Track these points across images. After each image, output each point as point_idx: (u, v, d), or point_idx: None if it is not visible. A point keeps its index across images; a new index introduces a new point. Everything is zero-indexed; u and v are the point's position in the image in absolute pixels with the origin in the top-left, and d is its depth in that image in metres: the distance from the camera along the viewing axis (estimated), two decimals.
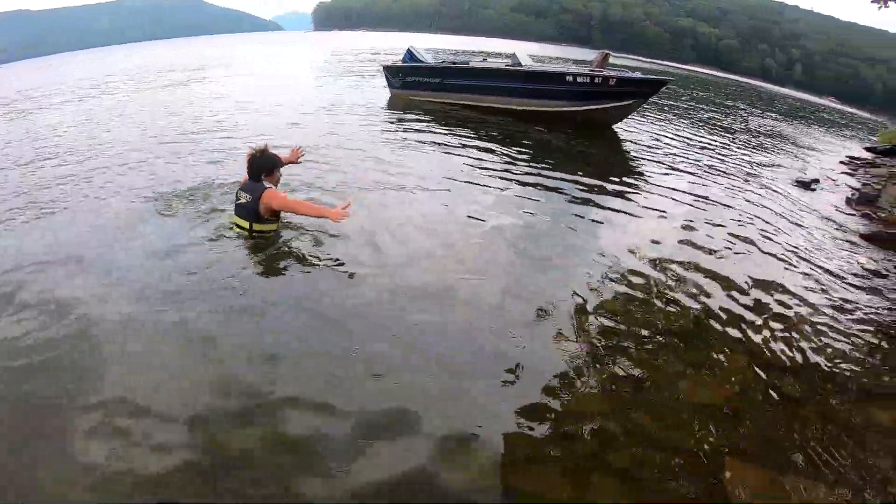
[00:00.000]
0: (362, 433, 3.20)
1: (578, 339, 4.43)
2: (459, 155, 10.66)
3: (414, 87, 17.25)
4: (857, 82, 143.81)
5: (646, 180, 10.42)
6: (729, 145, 17.04)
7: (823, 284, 6.68)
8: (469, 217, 7.01)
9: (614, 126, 15.70)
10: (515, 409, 3.58)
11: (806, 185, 12.68)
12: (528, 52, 17.80)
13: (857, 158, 19.92)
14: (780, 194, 11.59)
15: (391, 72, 17.63)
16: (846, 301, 6.28)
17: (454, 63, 17.20)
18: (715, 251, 7.02)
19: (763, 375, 4.33)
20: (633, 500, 3.02)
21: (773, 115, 33.83)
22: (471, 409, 3.52)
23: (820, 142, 24.83)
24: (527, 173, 9.74)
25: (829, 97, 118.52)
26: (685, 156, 13.51)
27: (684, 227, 7.83)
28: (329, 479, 2.91)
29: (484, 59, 18.05)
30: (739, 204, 9.83)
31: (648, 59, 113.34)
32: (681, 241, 7.19)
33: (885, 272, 7.88)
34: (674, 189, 9.91)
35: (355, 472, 2.95)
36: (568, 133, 13.91)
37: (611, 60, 16.30)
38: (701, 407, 3.83)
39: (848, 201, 11.94)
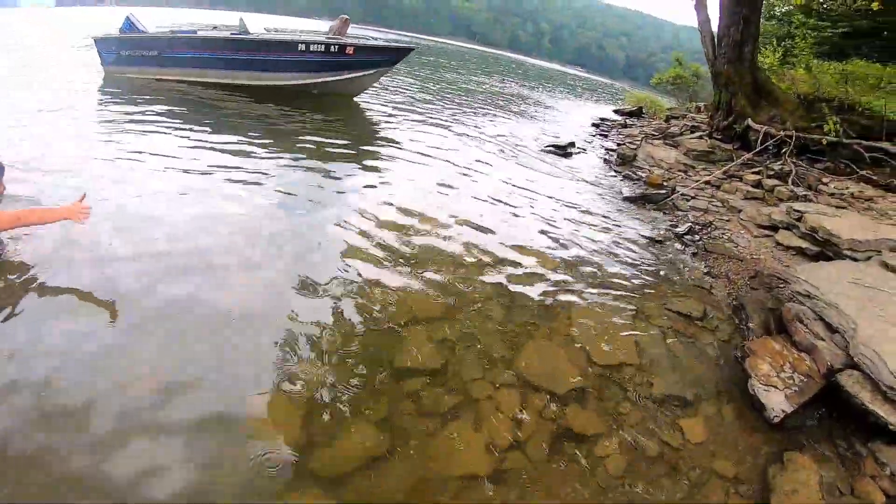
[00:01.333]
0: None
1: None
2: (180, 144, 8.21)
3: (130, 62, 14.02)
4: (602, 53, 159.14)
5: (392, 154, 9.50)
6: (483, 114, 16.09)
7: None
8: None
9: (357, 98, 14.43)
10: None
11: (562, 149, 11.68)
12: (276, 25, 15.15)
13: (607, 120, 19.98)
14: (538, 160, 10.74)
15: (104, 45, 14.23)
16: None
17: (174, 32, 13.92)
18: (475, 223, 6.63)
19: None
20: None
21: (525, 83, 34.37)
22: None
23: (571, 107, 25.24)
24: (263, 159, 8.01)
25: (577, 67, 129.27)
26: (436, 125, 12.42)
27: (435, 203, 7.18)
28: None
29: (215, 28, 14.71)
30: (497, 174, 9.15)
31: (405, 33, 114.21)
32: (429, 217, 6.55)
33: (660, 238, 6.94)
34: (423, 161, 9.27)
35: None
36: (304, 110, 12.08)
37: (351, 29, 14.26)
38: None
39: (606, 162, 11.01)
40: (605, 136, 15.42)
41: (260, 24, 14.48)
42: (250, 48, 13.08)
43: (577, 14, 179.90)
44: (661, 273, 5.98)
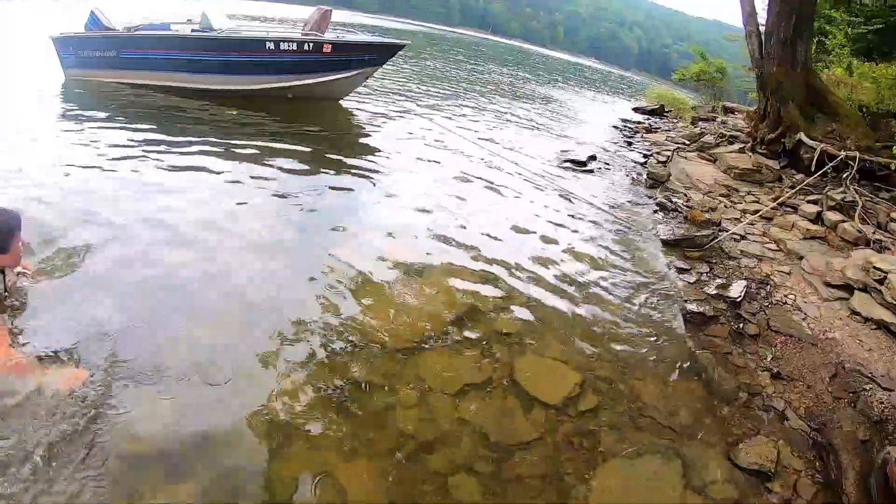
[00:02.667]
0: None
1: None
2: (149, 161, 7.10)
3: (90, 64, 12.23)
4: (616, 43, 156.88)
5: (384, 168, 8.35)
6: (494, 116, 14.60)
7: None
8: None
9: (343, 102, 12.73)
10: None
11: (581, 165, 9.96)
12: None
13: (628, 121, 18.24)
14: (555, 178, 9.19)
15: (62, 45, 12.33)
16: None
17: (129, 29, 12.22)
18: (470, 272, 5.37)
19: None
20: None
21: (540, 77, 32.64)
22: None
23: (589, 103, 23.48)
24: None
25: (590, 58, 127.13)
26: (440, 134, 10.75)
27: (429, 247, 5.83)
28: None
29: (189, 21, 12.69)
30: (506, 200, 7.78)
31: (416, 22, 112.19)
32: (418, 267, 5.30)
33: (712, 313, 5.28)
34: (418, 183, 7.95)
35: None
36: (280, 118, 10.57)
37: (332, 18, 12.50)
38: None
39: (634, 183, 9.41)
40: (630, 144, 13.65)
41: (224, 15, 12.67)
42: (213, 48, 11.36)
43: (592, 2, 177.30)
44: (717, 387, 4.24)
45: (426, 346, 4.01)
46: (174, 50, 11.55)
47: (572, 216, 7.32)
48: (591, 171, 9.83)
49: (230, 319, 3.99)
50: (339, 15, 70.62)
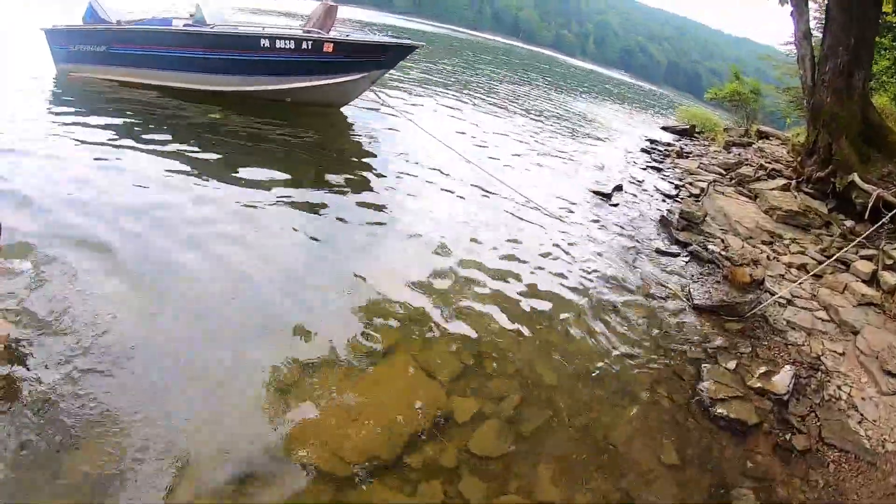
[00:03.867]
0: None
1: None
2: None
3: (81, 58, 11.31)
4: (645, 57, 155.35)
5: (392, 199, 7.35)
6: (518, 133, 13.53)
7: None
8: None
9: (344, 109, 11.63)
10: None
11: (606, 197, 8.85)
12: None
13: (658, 143, 17.10)
14: (578, 211, 8.27)
15: (54, 38, 11.52)
16: None
17: (120, 23, 11.07)
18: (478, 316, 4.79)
19: None
20: None
21: (569, 89, 31.54)
22: None
23: (618, 122, 22.35)
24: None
25: (619, 70, 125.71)
26: (453, 157, 9.32)
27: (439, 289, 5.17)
28: None
29: (191, 15, 11.63)
30: (527, 235, 6.91)
31: (444, 25, 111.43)
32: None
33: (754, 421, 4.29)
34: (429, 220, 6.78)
35: None
36: (268, 123, 9.73)
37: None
38: None
39: (665, 223, 8.19)
40: (659, 171, 12.52)
41: (228, 7, 11.62)
42: (202, 44, 10.35)
43: (622, 14, 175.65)
44: None
45: (370, 479, 3.01)
46: (163, 46, 10.61)
47: (588, 274, 6.17)
48: (616, 205, 8.74)
49: None
50: (365, 14, 70.08)
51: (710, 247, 7.29)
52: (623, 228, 7.80)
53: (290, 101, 10.78)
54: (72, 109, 8.60)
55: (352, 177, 7.68)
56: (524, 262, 5.98)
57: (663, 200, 9.85)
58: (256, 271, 4.71)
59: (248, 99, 10.57)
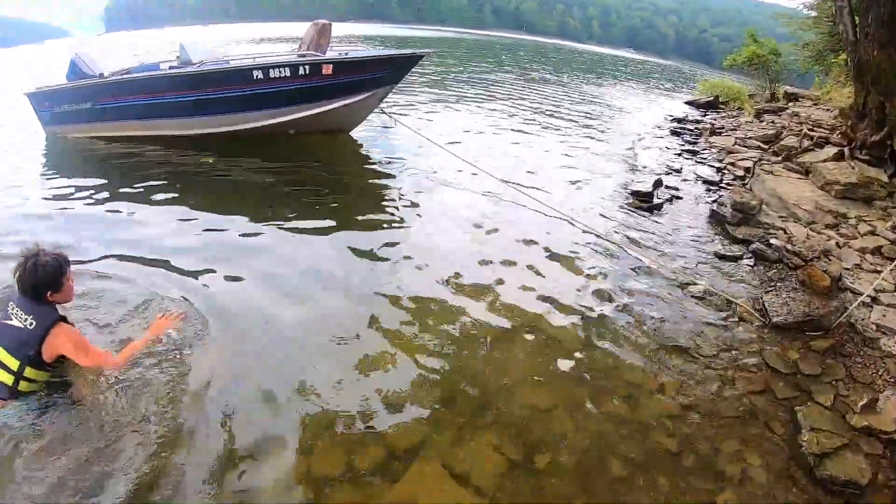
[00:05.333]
0: None
1: None
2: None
3: (67, 118, 10.56)
4: (652, 32, 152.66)
5: (405, 221, 6.96)
6: (538, 133, 12.66)
7: None
8: None
9: (353, 133, 10.99)
10: None
11: (647, 201, 8.07)
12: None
13: (685, 121, 16.24)
14: (616, 227, 7.25)
15: (37, 100, 10.70)
16: None
17: (102, 76, 10.31)
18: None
19: None
20: None
21: (581, 77, 30.57)
22: None
23: (637, 102, 21.41)
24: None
25: (628, 49, 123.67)
26: (472, 174, 8.74)
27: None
28: None
29: (177, 58, 10.85)
30: (549, 282, 5.61)
31: (449, 28, 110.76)
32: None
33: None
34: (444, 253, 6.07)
35: None
36: (268, 159, 9.24)
37: (333, 33, 10.65)
38: None
39: (717, 219, 7.42)
40: (695, 154, 11.63)
41: (212, 44, 10.96)
42: (189, 85, 9.56)
43: None
44: None
45: None
46: (149, 93, 9.81)
47: (643, 309, 5.21)
48: (659, 208, 7.88)
49: None
50: (367, 28, 69.58)
51: (774, 241, 6.45)
52: (673, 235, 6.95)
53: (293, 132, 10.14)
54: (56, 174, 8.22)
55: (372, 216, 7.02)
56: (565, 307, 5.06)
57: (708, 190, 8.99)
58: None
59: (252, 136, 9.94)
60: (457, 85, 19.96)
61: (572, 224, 6.88)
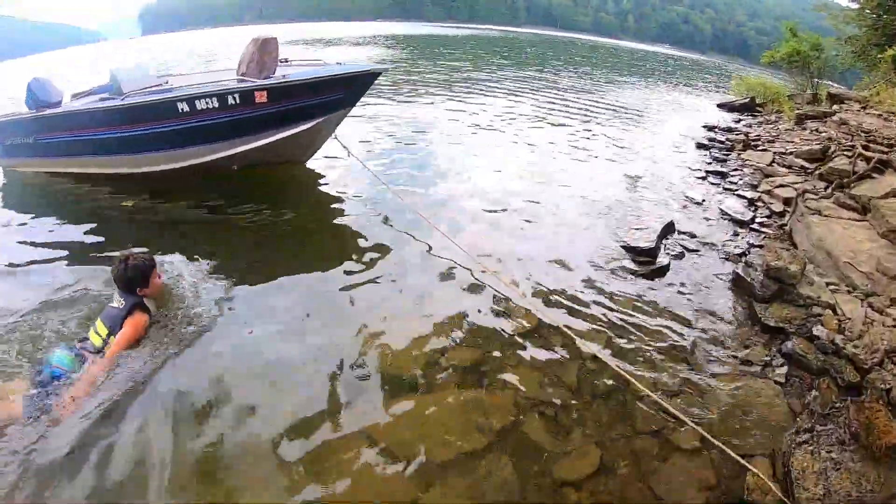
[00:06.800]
0: None
1: None
2: None
3: (18, 152, 9.53)
4: (688, 26, 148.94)
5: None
6: (523, 157, 10.54)
7: None
8: None
9: (309, 163, 9.20)
10: None
11: (647, 257, 6.11)
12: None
13: (716, 129, 14.15)
14: (599, 309, 5.30)
15: None
16: None
17: (40, 109, 8.83)
18: None
19: None
20: None
21: (611, 78, 28.33)
22: None
23: (666, 106, 19.28)
24: None
25: (663, 44, 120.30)
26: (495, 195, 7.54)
27: None
28: None
29: (126, 95, 9.14)
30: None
31: (480, 26, 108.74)
32: None
33: None
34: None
35: None
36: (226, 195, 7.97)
37: (280, 51, 8.75)
38: None
39: (742, 288, 5.58)
40: (723, 175, 9.61)
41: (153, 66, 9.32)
42: (115, 121, 8.07)
43: None
44: None
45: None
46: (78, 129, 8.49)
47: None
48: (663, 272, 5.87)
49: None
50: (399, 27, 67.72)
51: (818, 332, 4.48)
52: (673, 322, 4.94)
53: (236, 169, 8.43)
54: None
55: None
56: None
57: (735, 234, 6.98)
58: None
59: (189, 174, 8.35)
60: (468, 85, 18.04)
61: (533, 313, 4.92)
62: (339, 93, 7.91)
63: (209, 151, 8.06)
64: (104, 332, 4.12)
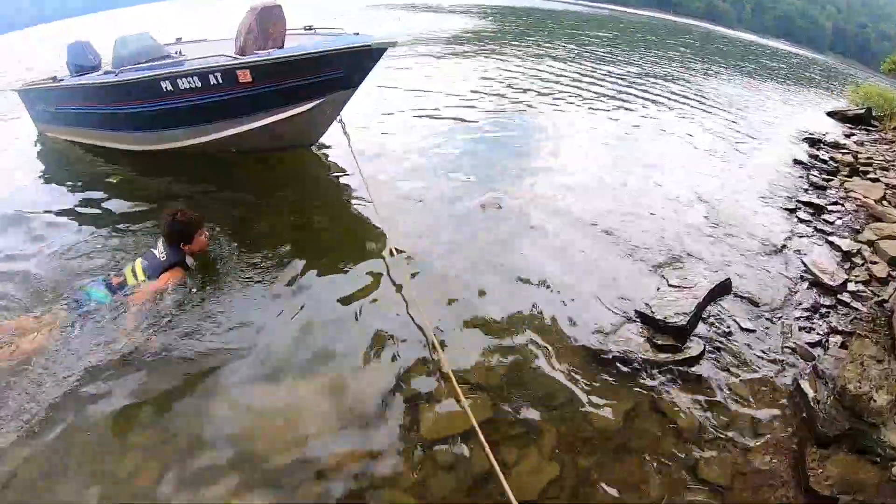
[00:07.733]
0: None
1: None
2: None
3: (47, 118, 9.69)
4: (807, 22, 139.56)
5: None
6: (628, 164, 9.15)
7: None
8: None
9: (315, 148, 8.29)
10: None
11: (673, 345, 4.08)
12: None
13: (820, 144, 11.65)
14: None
15: (24, 98, 9.92)
16: None
17: (56, 79, 9.17)
18: None
19: None
20: None
21: (722, 68, 25.35)
22: None
23: (770, 106, 16.66)
24: None
25: (780, 39, 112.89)
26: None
27: None
28: None
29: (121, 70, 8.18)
30: None
31: (588, 3, 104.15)
32: None
33: None
34: None
35: None
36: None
37: (285, 19, 7.53)
38: None
39: (805, 414, 3.64)
40: (819, 210, 7.44)
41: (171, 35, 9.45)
42: (107, 98, 7.72)
43: None
44: None
45: None
46: (77, 103, 8.46)
47: None
48: (687, 363, 3.93)
49: None
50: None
51: None
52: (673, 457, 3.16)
53: (234, 151, 7.75)
54: None
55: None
56: None
57: (814, 307, 4.93)
58: None
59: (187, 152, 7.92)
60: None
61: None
62: (339, 71, 6.66)
63: (191, 135, 7.52)
64: (142, 276, 4.29)
